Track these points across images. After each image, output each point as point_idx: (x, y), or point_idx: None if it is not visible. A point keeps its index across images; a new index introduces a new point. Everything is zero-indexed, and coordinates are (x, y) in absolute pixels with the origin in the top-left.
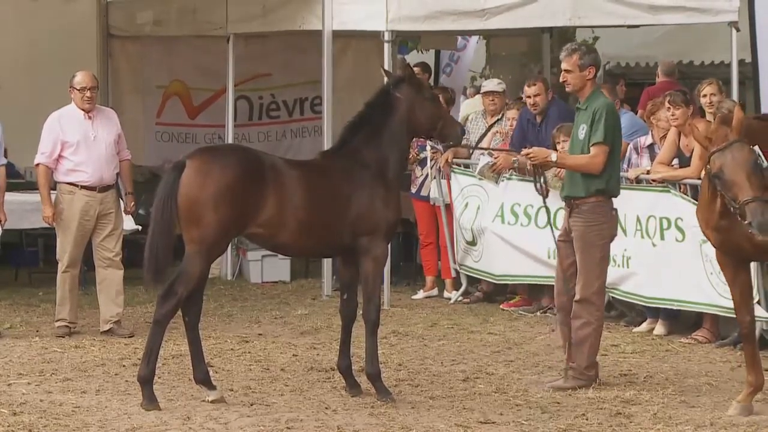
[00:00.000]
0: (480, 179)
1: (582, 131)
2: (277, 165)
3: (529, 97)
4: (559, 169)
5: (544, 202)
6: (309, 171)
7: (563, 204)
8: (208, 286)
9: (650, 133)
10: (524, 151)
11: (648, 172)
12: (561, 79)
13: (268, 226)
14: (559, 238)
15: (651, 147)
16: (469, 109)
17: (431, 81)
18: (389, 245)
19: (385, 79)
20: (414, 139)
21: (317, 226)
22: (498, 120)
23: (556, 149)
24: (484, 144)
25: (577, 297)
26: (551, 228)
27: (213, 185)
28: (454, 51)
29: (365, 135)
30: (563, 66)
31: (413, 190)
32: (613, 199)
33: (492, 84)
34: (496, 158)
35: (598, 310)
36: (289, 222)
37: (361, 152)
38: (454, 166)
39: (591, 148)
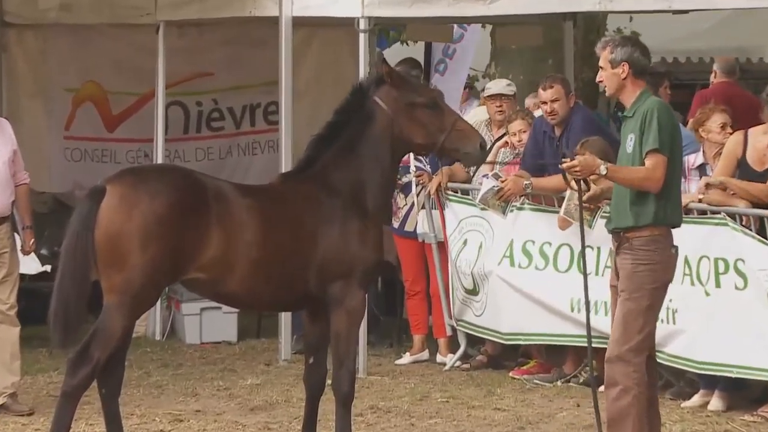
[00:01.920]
0: (483, 209)
1: (630, 143)
2: (223, 191)
3: (545, 102)
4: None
5: (582, 241)
6: (264, 199)
7: (585, 241)
8: (131, 349)
9: (701, 149)
10: (566, 163)
11: (700, 200)
12: (597, 79)
13: (211, 269)
14: (611, 282)
15: (702, 168)
16: (474, 117)
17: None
18: (367, 294)
19: (361, 78)
20: None
21: (275, 269)
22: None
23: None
24: (488, 163)
25: (609, 355)
26: (584, 272)
27: (140, 217)
28: (450, 44)
29: (336, 152)
30: (600, 62)
31: (395, 224)
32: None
33: (499, 86)
34: (503, 182)
35: (636, 372)
36: (239, 264)
37: (330, 175)
38: (448, 192)
39: (645, 159)
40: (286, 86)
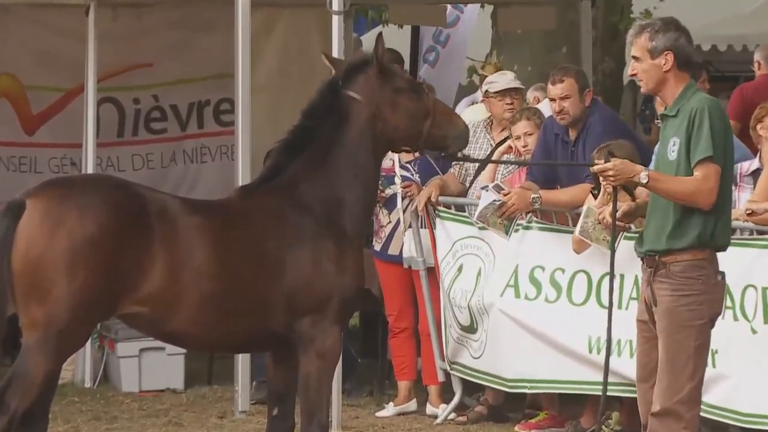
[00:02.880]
0: (482, 228)
1: (673, 148)
2: (167, 207)
3: (554, 100)
4: (602, 216)
5: (612, 266)
6: (219, 217)
7: (614, 266)
8: (56, 398)
9: (758, 154)
10: (597, 165)
11: (749, 214)
12: (630, 72)
13: (153, 302)
14: (638, 316)
15: (756, 174)
16: (470, 117)
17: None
18: (342, 332)
19: (332, 70)
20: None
21: (232, 303)
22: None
23: (598, 181)
24: (487, 172)
25: (655, 407)
26: (609, 304)
27: (66, 238)
28: (442, 28)
29: (306, 160)
30: (632, 52)
31: (376, 246)
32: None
33: (505, 79)
34: (506, 195)
35: (689, 429)
36: (188, 297)
37: (300, 187)
38: (440, 207)
39: (695, 169)
40: (242, 79)
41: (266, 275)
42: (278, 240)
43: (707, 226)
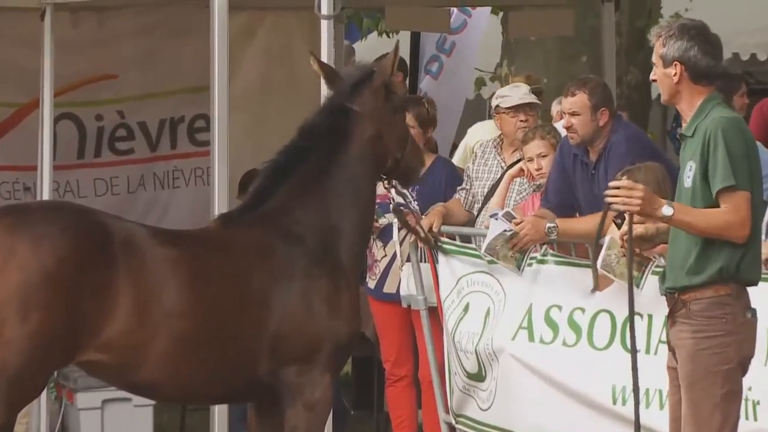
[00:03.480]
0: (491, 262)
1: (689, 173)
2: (136, 238)
3: (564, 114)
4: (624, 246)
5: (631, 304)
6: (196, 249)
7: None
8: None
9: None
10: (612, 188)
11: None
12: (651, 76)
13: (118, 348)
14: (668, 363)
15: None
16: (477, 136)
17: (407, 85)
18: (334, 381)
19: (323, 81)
20: None
21: (209, 349)
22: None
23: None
24: (497, 197)
25: None
26: (632, 348)
27: (19, 273)
28: (447, 34)
29: (298, 184)
30: (653, 56)
31: (370, 283)
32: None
33: (517, 93)
34: (518, 224)
35: None
36: (158, 342)
37: (290, 215)
38: (442, 238)
39: (720, 200)
40: (219, 93)
41: (250, 317)
42: (264, 276)
43: (732, 258)
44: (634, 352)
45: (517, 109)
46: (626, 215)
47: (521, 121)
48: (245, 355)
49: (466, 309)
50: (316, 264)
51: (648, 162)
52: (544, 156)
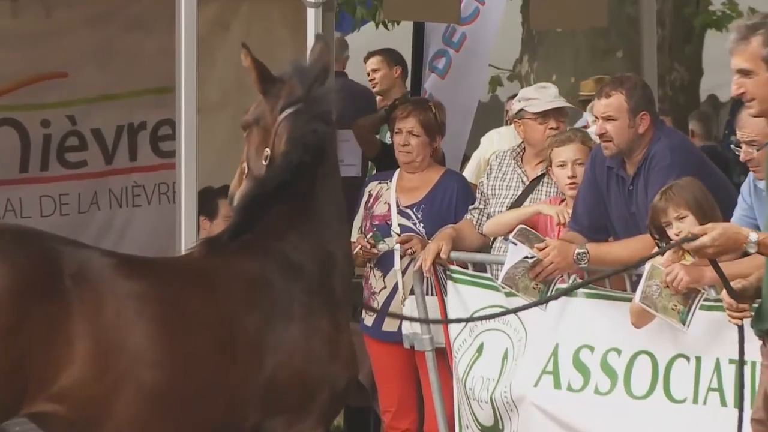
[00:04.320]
0: (509, 295)
1: None
2: (94, 269)
3: (597, 119)
4: (672, 276)
5: (741, 348)
6: (171, 284)
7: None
8: None
9: None
10: (688, 239)
11: None
12: (734, 90)
13: (74, 398)
14: (753, 415)
15: None
16: (493, 145)
17: (408, 85)
18: None
19: (255, 82)
20: (367, 220)
21: (186, 403)
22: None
23: (663, 232)
24: (519, 218)
25: None
26: (739, 403)
27: None
28: (456, 26)
29: (292, 206)
30: (735, 63)
31: (367, 320)
32: None
33: (545, 95)
34: (541, 249)
35: None
36: (124, 394)
37: (286, 240)
38: (452, 267)
39: None
40: (187, 95)
41: (239, 365)
42: (258, 315)
43: None
44: (741, 407)
45: (546, 114)
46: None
47: (552, 128)
48: (228, 408)
49: (480, 350)
50: (316, 299)
51: (685, 177)
52: (580, 164)
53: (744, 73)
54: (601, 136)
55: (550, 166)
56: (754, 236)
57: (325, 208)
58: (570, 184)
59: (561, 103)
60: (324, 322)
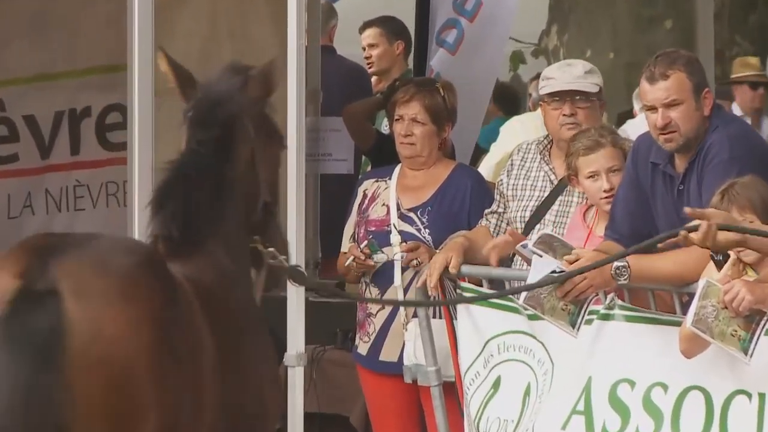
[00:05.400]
0: (532, 318)
1: None
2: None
3: (653, 108)
4: (731, 295)
5: None
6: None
7: None
8: None
9: None
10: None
11: None
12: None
13: None
14: None
15: None
16: (516, 136)
17: (411, 64)
18: None
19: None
20: (362, 226)
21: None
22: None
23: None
24: (548, 224)
25: None
26: None
27: (150, 326)
28: None
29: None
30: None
31: (361, 348)
32: None
33: (565, 75)
34: (572, 262)
35: None
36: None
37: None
38: (463, 284)
39: None
40: (141, 75)
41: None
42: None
43: None
44: None
45: (561, 96)
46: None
47: (565, 115)
48: None
49: (496, 385)
50: (257, 315)
51: (748, 176)
52: (616, 171)
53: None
54: (663, 128)
55: (574, 176)
56: None
57: (233, 213)
58: (607, 197)
59: (583, 84)
60: (270, 345)
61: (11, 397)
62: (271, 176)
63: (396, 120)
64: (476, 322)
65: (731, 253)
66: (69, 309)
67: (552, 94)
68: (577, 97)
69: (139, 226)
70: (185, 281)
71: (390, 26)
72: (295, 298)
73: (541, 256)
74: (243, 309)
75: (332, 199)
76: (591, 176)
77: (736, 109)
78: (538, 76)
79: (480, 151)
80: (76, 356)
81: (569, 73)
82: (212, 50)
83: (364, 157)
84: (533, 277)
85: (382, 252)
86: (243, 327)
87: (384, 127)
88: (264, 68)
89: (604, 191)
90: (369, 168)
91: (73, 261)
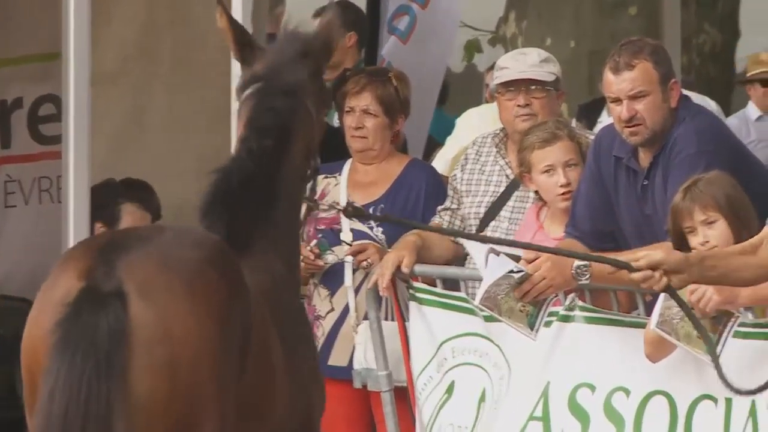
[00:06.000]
0: (489, 319)
1: None
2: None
3: (618, 100)
4: (698, 295)
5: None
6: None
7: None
8: None
9: None
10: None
11: None
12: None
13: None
14: None
15: None
16: (472, 129)
17: (362, 52)
18: None
19: (232, 48)
20: (311, 224)
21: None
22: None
23: (683, 237)
24: (503, 221)
25: None
26: None
27: (217, 324)
28: None
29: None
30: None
31: None
32: None
33: (518, 64)
34: (531, 262)
35: None
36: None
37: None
38: (416, 284)
39: None
40: (77, 64)
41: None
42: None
43: None
44: None
45: (515, 87)
46: None
47: (519, 106)
48: None
49: (450, 390)
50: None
51: (714, 172)
52: (573, 165)
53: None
54: (629, 122)
55: (527, 173)
56: None
57: (285, 211)
58: (564, 194)
59: (538, 73)
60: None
61: (68, 405)
62: (319, 140)
63: (346, 112)
64: (429, 324)
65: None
66: (134, 310)
67: (506, 84)
68: (533, 87)
69: (75, 223)
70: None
71: (343, 16)
72: None
73: (497, 256)
74: (293, 312)
75: None
76: (546, 171)
77: (753, 109)
78: (494, 66)
79: (434, 144)
80: (140, 359)
81: (523, 62)
82: (151, 38)
83: None
84: (489, 278)
85: (332, 252)
86: (294, 330)
87: (334, 120)
88: (323, 31)
89: (561, 186)
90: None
91: (139, 259)
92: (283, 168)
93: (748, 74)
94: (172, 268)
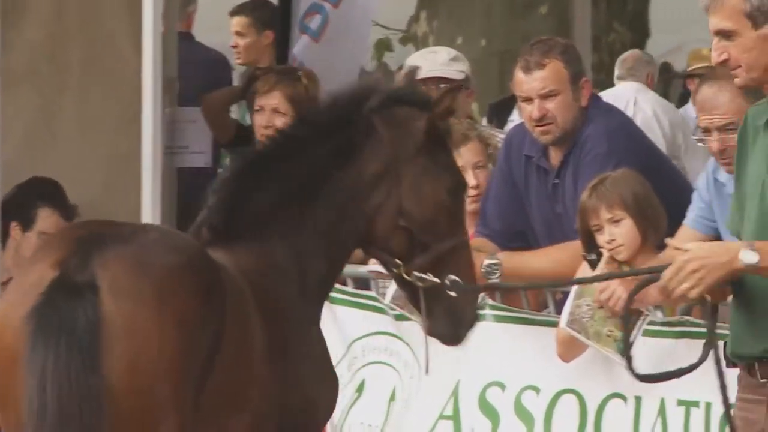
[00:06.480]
0: (399, 317)
1: None
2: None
3: (529, 99)
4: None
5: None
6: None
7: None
8: None
9: None
10: (665, 268)
11: None
12: (717, 57)
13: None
14: None
15: None
16: None
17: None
18: None
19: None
20: None
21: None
22: None
23: (591, 236)
24: None
25: None
26: None
27: (181, 331)
28: None
29: (291, 195)
30: (714, 24)
31: None
32: None
33: (429, 62)
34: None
35: None
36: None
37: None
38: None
39: None
40: None
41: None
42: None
43: None
44: None
45: (426, 85)
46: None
47: None
48: None
49: (360, 389)
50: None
51: (621, 170)
52: (481, 167)
53: (724, 34)
54: (539, 121)
55: None
56: (749, 253)
57: (326, 208)
58: (473, 196)
59: (448, 71)
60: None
61: (41, 386)
62: (423, 209)
63: (256, 111)
64: (340, 323)
65: (604, 251)
66: (105, 305)
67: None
68: (442, 85)
69: None
70: (234, 269)
71: (259, 14)
72: None
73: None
74: (291, 304)
75: (189, 194)
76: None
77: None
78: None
79: None
80: (109, 353)
81: (432, 60)
82: (61, 38)
83: (222, 150)
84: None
85: None
86: (289, 320)
87: (245, 119)
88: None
89: (471, 188)
90: (228, 161)
91: (116, 257)
92: (337, 174)
93: (689, 69)
94: (145, 272)
